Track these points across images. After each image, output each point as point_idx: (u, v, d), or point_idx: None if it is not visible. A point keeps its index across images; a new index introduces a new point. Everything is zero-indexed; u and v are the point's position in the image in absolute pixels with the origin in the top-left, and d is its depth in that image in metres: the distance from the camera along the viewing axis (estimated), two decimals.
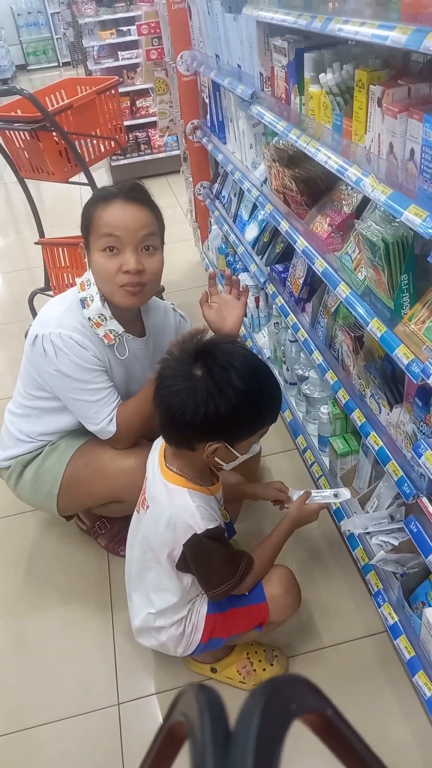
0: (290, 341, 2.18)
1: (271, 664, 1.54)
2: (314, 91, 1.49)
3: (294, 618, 1.62)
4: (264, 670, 1.53)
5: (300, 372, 2.13)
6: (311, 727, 0.42)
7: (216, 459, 1.23)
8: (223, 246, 3.09)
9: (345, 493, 1.53)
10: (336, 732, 0.42)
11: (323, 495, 1.53)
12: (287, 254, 2.30)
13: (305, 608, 1.68)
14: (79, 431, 1.70)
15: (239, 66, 2.18)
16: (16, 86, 2.34)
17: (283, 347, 2.25)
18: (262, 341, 2.58)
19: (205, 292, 1.68)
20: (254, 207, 2.64)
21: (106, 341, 1.53)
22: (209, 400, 1.11)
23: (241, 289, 1.70)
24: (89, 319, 1.51)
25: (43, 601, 1.84)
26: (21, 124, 2.39)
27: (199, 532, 1.23)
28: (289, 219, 1.92)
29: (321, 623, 1.66)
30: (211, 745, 0.37)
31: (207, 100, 2.88)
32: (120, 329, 1.55)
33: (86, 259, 1.52)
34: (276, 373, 2.38)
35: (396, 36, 0.98)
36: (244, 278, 2.66)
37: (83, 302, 1.52)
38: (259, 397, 1.17)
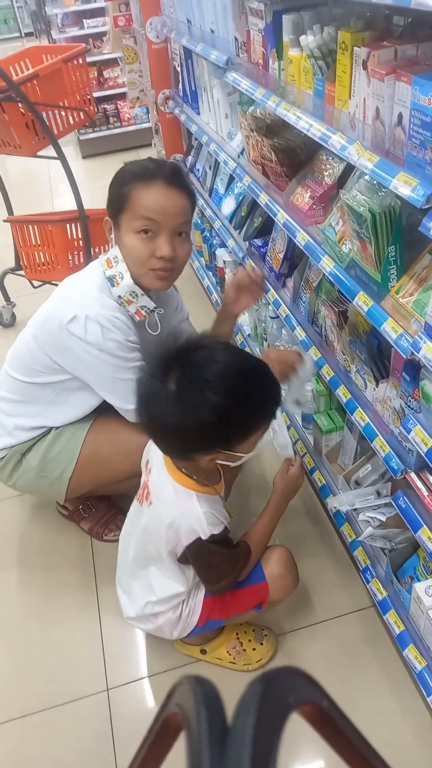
0: (271, 318, 2.15)
1: (261, 643, 1.53)
2: (294, 55, 1.43)
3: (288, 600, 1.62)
4: (254, 649, 1.52)
5: (281, 348, 2.10)
6: (307, 719, 0.42)
7: (219, 462, 1.19)
8: (199, 221, 3.02)
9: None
10: (332, 723, 0.42)
11: (279, 426, 1.50)
12: (266, 228, 2.25)
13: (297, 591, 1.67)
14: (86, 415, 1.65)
15: (212, 31, 2.09)
16: None
17: (264, 324, 2.21)
18: (242, 318, 2.54)
19: (243, 272, 1.68)
20: (231, 180, 2.57)
21: (137, 318, 1.51)
22: (186, 416, 1.05)
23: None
24: (120, 297, 1.47)
25: (26, 589, 1.80)
26: None
27: (204, 537, 1.21)
28: (269, 191, 1.86)
29: (309, 600, 1.65)
30: (208, 739, 0.37)
31: (179, 69, 2.77)
32: (152, 305, 1.52)
33: (111, 235, 1.47)
34: (257, 350, 2.35)
35: None
36: (222, 254, 2.61)
37: (111, 280, 1.47)
38: (245, 404, 1.09)
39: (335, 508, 1.65)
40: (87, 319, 1.42)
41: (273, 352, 1.54)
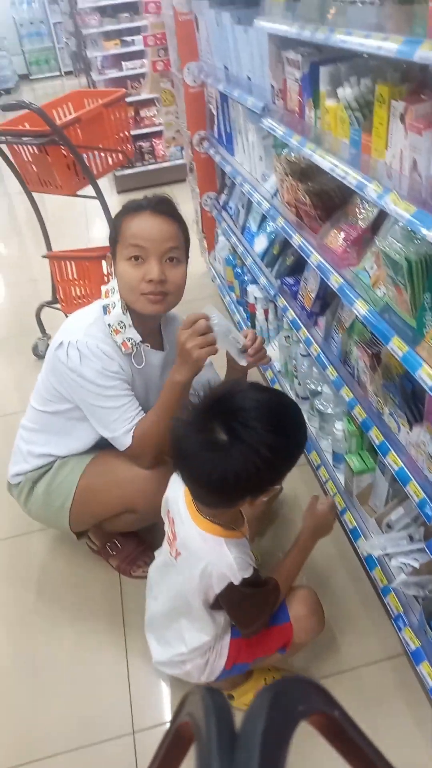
0: (302, 355, 2.15)
1: None
2: (331, 105, 1.47)
3: (312, 641, 1.59)
4: None
5: (312, 387, 2.10)
6: (318, 729, 0.43)
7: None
8: (231, 257, 3.06)
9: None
10: (343, 733, 0.42)
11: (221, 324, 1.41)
12: (298, 267, 2.28)
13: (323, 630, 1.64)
14: (91, 449, 1.69)
15: (249, 78, 2.15)
16: (25, 100, 2.32)
17: (294, 361, 2.22)
18: (272, 354, 2.55)
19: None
20: (263, 218, 2.62)
21: (123, 349, 1.55)
22: (246, 463, 1.06)
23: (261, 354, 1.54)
24: (109, 325, 1.52)
25: (54, 625, 1.80)
26: (30, 138, 2.37)
27: (236, 582, 1.21)
28: (302, 233, 1.89)
29: (337, 646, 1.62)
30: (216, 747, 0.37)
31: (214, 112, 2.86)
32: (138, 338, 1.56)
33: (112, 268, 1.55)
34: (287, 387, 2.35)
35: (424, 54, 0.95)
36: (253, 290, 2.64)
37: (105, 309, 1.54)
38: (293, 439, 1.14)
39: (367, 552, 1.63)
40: (69, 345, 1.49)
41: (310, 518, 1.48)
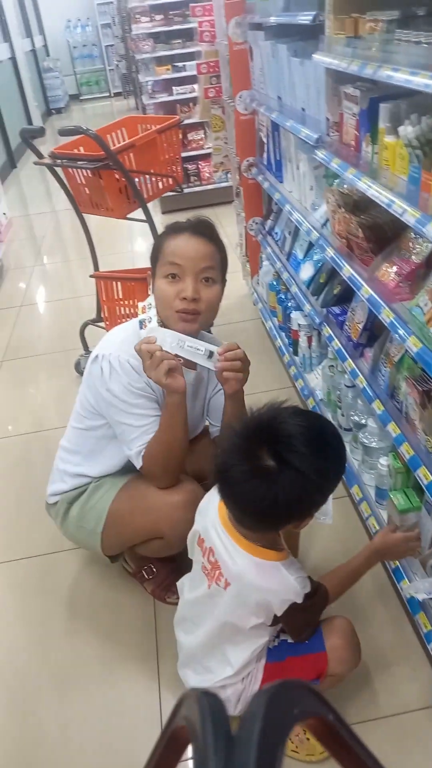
0: (347, 386, 2.13)
1: None
2: (390, 142, 1.46)
3: (348, 684, 1.55)
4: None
5: (356, 419, 2.07)
6: (313, 732, 0.43)
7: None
8: (275, 283, 3.07)
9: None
10: (338, 736, 0.42)
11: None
12: (345, 296, 2.26)
13: (359, 673, 1.60)
14: (124, 469, 1.70)
15: (303, 109, 2.17)
16: (82, 126, 2.39)
17: (338, 392, 2.20)
18: (315, 382, 2.53)
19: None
20: (309, 246, 2.62)
21: None
22: (296, 489, 1.09)
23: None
24: None
25: (85, 644, 1.79)
26: (84, 162, 2.43)
27: (299, 601, 1.23)
28: (352, 264, 1.88)
29: (375, 691, 1.57)
30: (213, 748, 0.38)
31: (264, 139, 2.88)
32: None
33: (151, 285, 1.58)
34: (329, 416, 2.32)
35: None
36: (297, 317, 2.63)
37: (141, 324, 1.56)
38: (338, 460, 1.19)
39: (410, 594, 1.58)
40: (102, 359, 1.54)
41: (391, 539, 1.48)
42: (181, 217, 1.57)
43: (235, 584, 1.26)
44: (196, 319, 1.50)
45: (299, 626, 1.34)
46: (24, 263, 4.95)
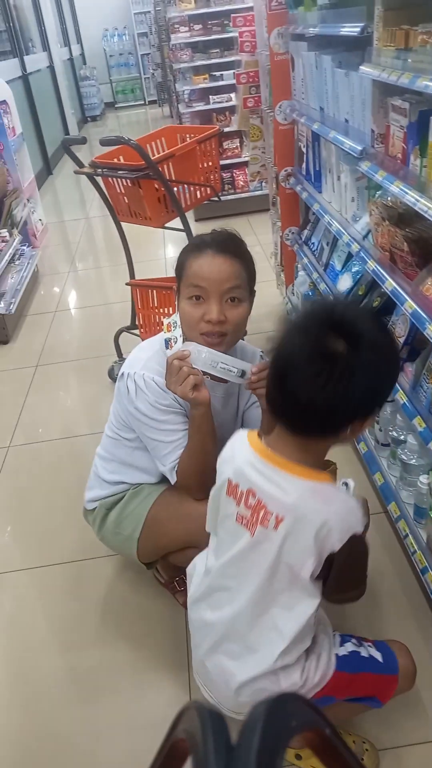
0: (386, 401, 2.09)
1: (362, 759, 1.43)
2: None
3: (389, 709, 1.52)
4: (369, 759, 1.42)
5: (395, 434, 2.03)
6: (308, 744, 0.44)
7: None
8: (310, 293, 3.04)
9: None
10: (333, 750, 0.43)
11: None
12: (385, 309, 2.23)
13: (398, 700, 1.56)
14: (163, 476, 1.69)
15: (347, 121, 2.15)
16: (123, 136, 2.41)
17: None
18: None
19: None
20: (348, 257, 2.59)
21: None
22: (370, 373, 0.99)
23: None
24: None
25: (115, 651, 1.79)
26: (124, 172, 2.45)
27: (360, 530, 1.10)
28: (395, 277, 1.85)
29: (414, 717, 1.53)
30: (213, 757, 0.38)
31: (304, 149, 2.87)
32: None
33: (177, 302, 1.56)
34: (366, 431, 2.29)
35: None
36: None
37: (167, 342, 1.55)
38: (397, 352, 1.17)
39: None
40: (128, 377, 1.55)
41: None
42: (216, 225, 1.53)
43: (290, 516, 1.09)
44: (222, 341, 1.48)
45: (358, 573, 1.18)
46: (58, 269, 5.01)
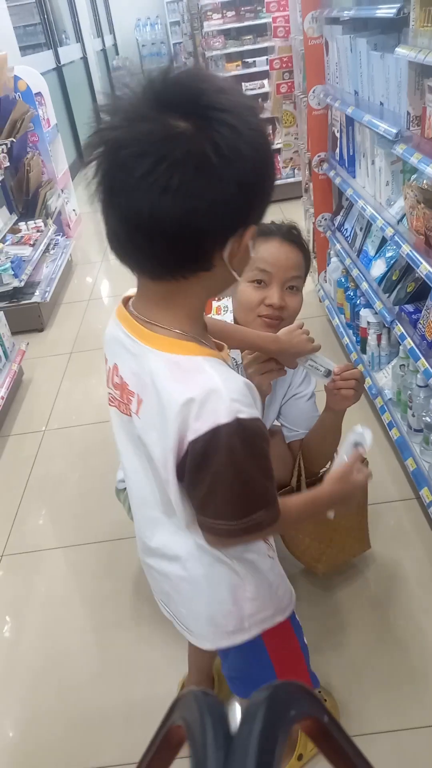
0: (419, 386, 2.08)
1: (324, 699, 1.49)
2: None
3: (406, 688, 1.54)
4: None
5: (429, 420, 2.02)
6: (307, 733, 0.44)
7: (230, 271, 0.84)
8: (343, 279, 3.03)
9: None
10: (332, 738, 0.43)
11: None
12: (419, 294, 2.21)
13: (393, 684, 1.57)
14: None
15: (382, 104, 2.13)
16: None
17: (410, 391, 2.15)
18: (383, 381, 2.49)
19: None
20: (382, 242, 2.57)
21: None
22: (227, 162, 0.72)
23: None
24: None
25: (149, 632, 1.83)
26: None
27: (225, 421, 0.79)
28: (430, 261, 1.83)
29: (405, 702, 1.53)
30: (213, 746, 0.38)
31: (338, 134, 2.85)
32: (239, 358, 1.56)
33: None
34: (398, 417, 2.28)
35: None
36: (366, 314, 2.59)
37: None
38: (269, 152, 0.81)
39: None
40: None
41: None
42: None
43: (147, 399, 0.87)
44: (279, 325, 1.50)
45: (209, 498, 0.85)
46: (91, 258, 5.08)
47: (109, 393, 0.99)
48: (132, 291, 0.94)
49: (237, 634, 1.06)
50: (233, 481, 0.83)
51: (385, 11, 1.82)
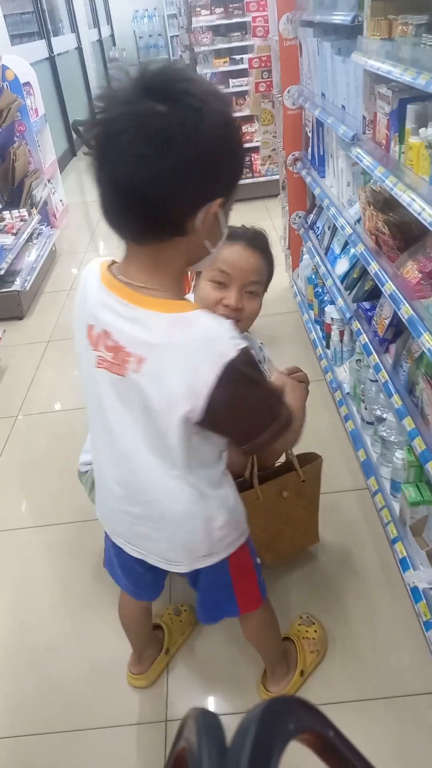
0: (371, 380, 2.17)
1: (313, 623, 1.70)
2: (414, 143, 1.50)
3: (348, 664, 1.62)
4: (315, 632, 1.69)
5: (378, 413, 2.11)
6: (311, 747, 0.44)
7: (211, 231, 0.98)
8: (313, 276, 3.11)
9: None
10: (338, 753, 0.43)
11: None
12: (376, 292, 2.29)
13: (360, 655, 1.66)
14: None
15: (343, 107, 2.21)
16: None
17: (363, 385, 2.24)
18: (343, 376, 2.58)
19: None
20: (346, 242, 2.65)
21: None
22: (198, 140, 0.86)
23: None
24: None
25: (110, 606, 1.92)
26: None
27: (233, 354, 0.94)
28: (380, 260, 1.92)
29: (374, 673, 1.63)
30: (207, 760, 0.39)
31: (309, 134, 2.92)
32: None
33: (193, 282, 1.64)
34: (354, 410, 2.37)
35: None
36: (330, 310, 2.68)
37: None
38: (238, 130, 0.95)
39: (412, 583, 1.63)
40: None
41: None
42: (234, 209, 1.60)
43: (152, 355, 0.98)
44: (236, 325, 1.55)
45: (253, 413, 1.03)
46: (77, 249, 5.14)
47: (98, 356, 1.05)
48: (107, 258, 1.07)
49: (210, 557, 1.23)
50: (258, 396, 1.02)
51: (341, 18, 1.90)
